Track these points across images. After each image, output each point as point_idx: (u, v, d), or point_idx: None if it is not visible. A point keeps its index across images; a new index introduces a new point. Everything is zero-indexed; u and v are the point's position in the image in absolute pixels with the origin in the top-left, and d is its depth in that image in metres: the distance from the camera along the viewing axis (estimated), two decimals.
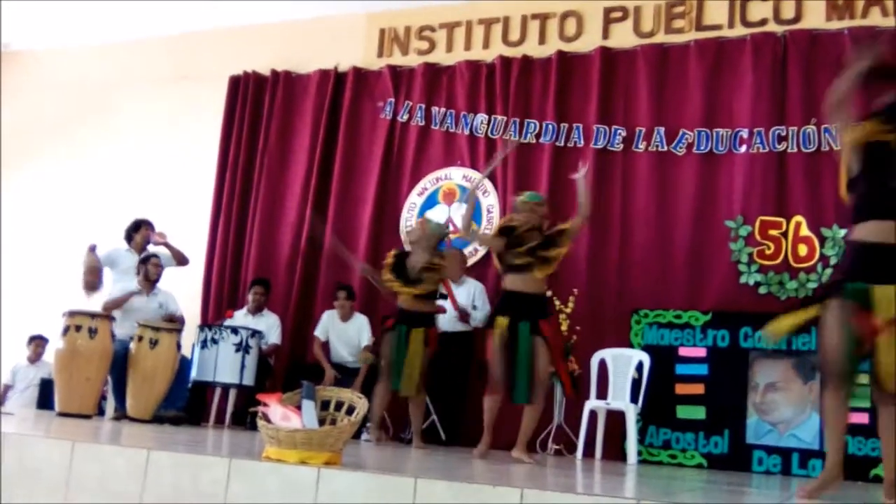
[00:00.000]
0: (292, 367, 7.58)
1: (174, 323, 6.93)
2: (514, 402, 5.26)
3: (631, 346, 6.78)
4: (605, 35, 7.64)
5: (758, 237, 6.75)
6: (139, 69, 9.31)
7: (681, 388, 6.66)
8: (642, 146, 7.21)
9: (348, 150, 8.21)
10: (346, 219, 8.01)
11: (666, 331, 6.79)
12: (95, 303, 7.03)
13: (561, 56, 7.64)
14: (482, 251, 7.35)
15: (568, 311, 6.92)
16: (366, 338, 7.28)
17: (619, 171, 7.27)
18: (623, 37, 7.56)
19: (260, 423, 3.39)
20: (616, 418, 6.50)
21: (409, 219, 7.83)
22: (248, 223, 8.42)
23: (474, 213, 7.46)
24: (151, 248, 7.46)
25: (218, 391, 7.33)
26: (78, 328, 6.31)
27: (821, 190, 6.68)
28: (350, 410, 3.51)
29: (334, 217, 8.04)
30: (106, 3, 8.74)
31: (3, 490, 3.36)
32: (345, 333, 7.34)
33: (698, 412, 6.58)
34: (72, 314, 6.40)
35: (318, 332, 7.36)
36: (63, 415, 6.20)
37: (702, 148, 7.00)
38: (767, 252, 6.71)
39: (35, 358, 8.78)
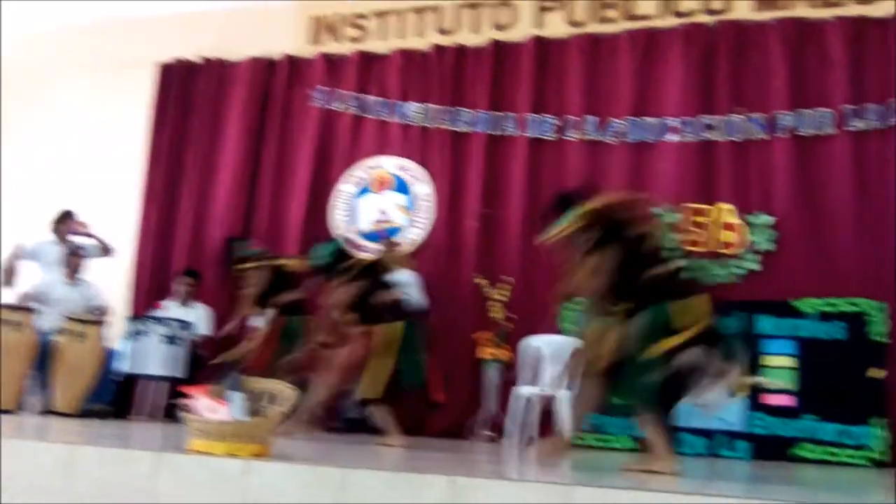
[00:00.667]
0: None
1: (99, 315, 6.80)
2: None
3: (563, 332, 6.84)
4: (539, 24, 7.67)
5: (685, 224, 6.86)
6: (67, 56, 9.06)
7: None
8: (574, 135, 7.27)
9: (280, 138, 8.13)
10: (278, 207, 7.94)
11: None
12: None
13: (495, 45, 7.66)
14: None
15: (504, 299, 6.97)
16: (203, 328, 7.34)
17: (552, 160, 7.33)
18: (556, 26, 7.60)
19: (185, 415, 3.34)
20: (549, 404, 6.56)
21: (339, 207, 7.78)
22: (178, 213, 8.29)
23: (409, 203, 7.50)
24: (76, 240, 7.30)
25: (147, 384, 7.21)
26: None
27: (747, 178, 6.83)
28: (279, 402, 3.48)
29: (265, 207, 7.96)
30: None
31: None
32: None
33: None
34: None
35: None
36: None
37: (632, 137, 7.09)
38: (695, 239, 6.83)
39: None
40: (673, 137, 7.00)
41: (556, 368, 6.57)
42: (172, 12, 8.67)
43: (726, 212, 6.82)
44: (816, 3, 7.02)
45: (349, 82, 8.04)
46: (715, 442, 6.43)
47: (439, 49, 7.81)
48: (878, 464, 6.07)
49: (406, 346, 5.42)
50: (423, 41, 7.96)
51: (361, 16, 8.26)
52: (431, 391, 5.62)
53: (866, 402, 6.24)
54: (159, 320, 6.99)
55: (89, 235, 7.30)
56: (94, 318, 6.59)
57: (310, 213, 7.83)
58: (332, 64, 8.16)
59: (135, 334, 6.90)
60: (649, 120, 7.09)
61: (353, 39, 8.23)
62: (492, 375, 6.89)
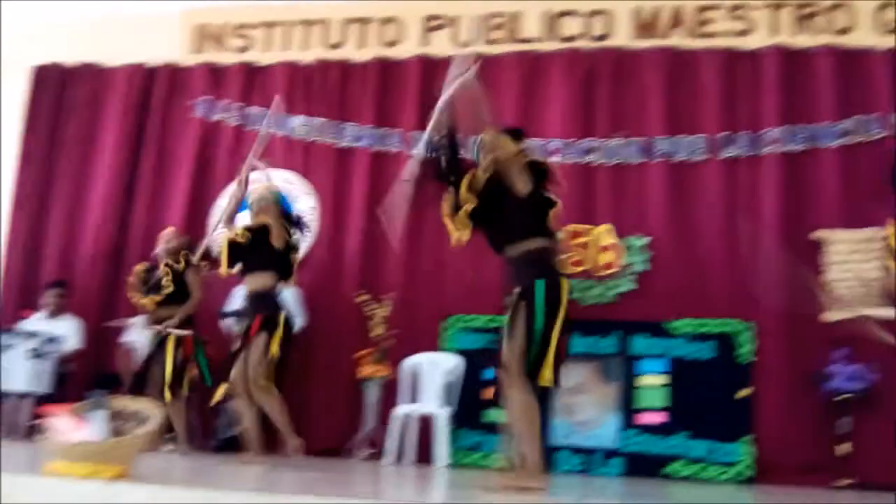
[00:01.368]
0: (94, 374, 7.21)
1: None
2: None
3: (443, 350, 6.86)
4: (425, 43, 7.71)
5: (566, 245, 6.98)
6: None
7: (490, 393, 6.78)
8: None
9: (159, 148, 7.92)
10: (155, 219, 7.69)
11: (478, 335, 6.90)
12: None
13: (380, 61, 7.65)
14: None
15: (385, 315, 6.94)
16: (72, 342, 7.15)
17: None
18: (442, 45, 7.64)
19: (45, 435, 3.20)
20: (429, 422, 6.56)
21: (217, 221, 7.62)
22: (49, 221, 7.96)
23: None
24: None
25: (12, 400, 6.89)
26: None
27: (624, 200, 7.01)
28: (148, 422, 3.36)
29: (141, 218, 7.73)
30: None
31: None
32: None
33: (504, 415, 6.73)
34: None
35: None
36: None
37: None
38: (573, 259, 6.96)
39: None
40: (554, 159, 7.11)
41: (437, 386, 6.59)
42: (50, 15, 8.34)
43: (605, 233, 6.97)
44: (692, 34, 7.29)
45: (232, 93, 7.90)
46: (590, 460, 6.54)
47: (325, 63, 7.75)
48: (747, 480, 6.29)
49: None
50: (309, 54, 7.89)
51: (247, 26, 8.13)
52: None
53: (735, 420, 6.46)
54: (25, 334, 6.69)
55: None
56: None
57: (188, 225, 7.62)
58: (216, 74, 8.01)
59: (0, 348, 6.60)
60: (531, 141, 7.17)
61: (238, 50, 8.10)
62: (372, 393, 6.84)
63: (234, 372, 5.53)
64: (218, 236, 6.41)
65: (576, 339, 6.69)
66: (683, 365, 6.61)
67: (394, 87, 7.59)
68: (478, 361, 6.58)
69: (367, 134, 7.51)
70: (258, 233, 5.78)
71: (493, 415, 6.64)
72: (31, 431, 6.77)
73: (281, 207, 6.01)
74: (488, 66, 7.39)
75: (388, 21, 7.83)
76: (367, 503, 2.75)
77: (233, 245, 5.79)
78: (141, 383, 6.21)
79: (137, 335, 6.83)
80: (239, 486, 3.05)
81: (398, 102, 7.55)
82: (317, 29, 7.97)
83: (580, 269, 6.94)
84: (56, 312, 7.27)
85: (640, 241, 6.89)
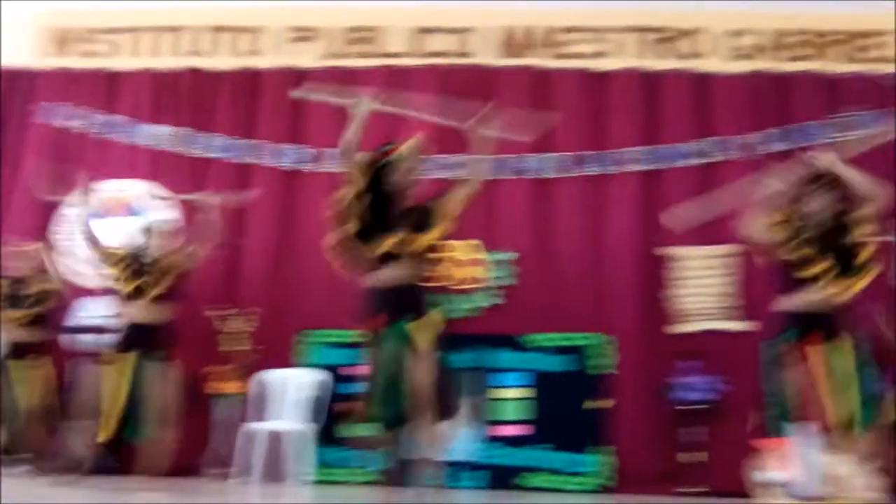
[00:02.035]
0: None
1: None
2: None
3: (300, 365, 6.76)
4: (292, 54, 7.59)
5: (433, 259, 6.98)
6: None
7: (346, 408, 6.70)
8: (326, 166, 7.22)
9: (4, 154, 7.50)
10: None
11: (334, 350, 6.81)
12: None
13: (242, 71, 7.50)
14: None
15: (247, 330, 6.79)
16: None
17: (302, 191, 7.25)
18: (309, 57, 7.54)
19: None
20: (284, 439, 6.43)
21: (64, 230, 7.30)
22: None
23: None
24: None
25: None
26: None
27: (491, 216, 7.07)
28: None
29: None
30: None
31: None
32: None
33: (364, 430, 6.65)
34: None
35: None
36: None
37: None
38: (441, 273, 6.95)
39: None
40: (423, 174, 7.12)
41: (291, 402, 6.46)
42: None
43: (472, 248, 7.02)
44: (553, 54, 7.45)
45: (88, 100, 7.56)
46: (451, 472, 6.53)
47: (188, 71, 7.54)
48: (606, 489, 6.44)
49: None
50: (171, 61, 7.65)
51: (105, 31, 7.82)
52: None
53: (593, 432, 6.61)
54: None
55: None
56: None
57: (36, 235, 7.25)
58: (70, 80, 7.65)
59: None
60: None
61: (95, 55, 7.77)
62: (224, 410, 6.65)
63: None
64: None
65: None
66: (544, 378, 6.71)
67: (256, 98, 7.45)
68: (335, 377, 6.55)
69: (228, 145, 7.33)
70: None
71: (352, 429, 6.58)
72: None
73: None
74: (352, 80, 7.41)
75: (251, 31, 7.68)
76: None
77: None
78: None
79: None
80: None
81: (261, 113, 7.41)
82: (178, 36, 7.74)
83: (447, 283, 6.96)
84: None
85: (505, 256, 6.97)
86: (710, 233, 6.86)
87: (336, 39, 7.61)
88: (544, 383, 6.70)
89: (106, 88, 7.63)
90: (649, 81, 7.27)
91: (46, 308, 6.56)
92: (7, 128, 7.60)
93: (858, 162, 4.85)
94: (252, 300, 6.99)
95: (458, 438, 6.60)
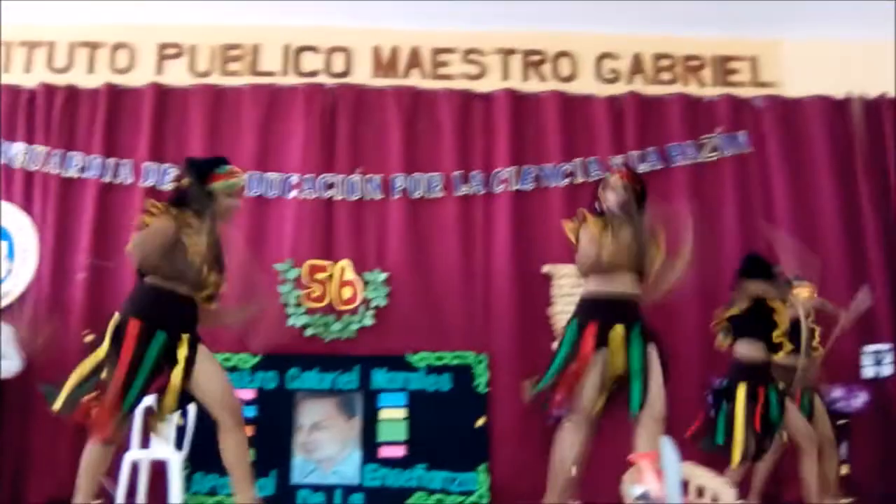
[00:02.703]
0: None
1: None
2: None
3: None
4: (159, 71, 7.42)
5: (305, 280, 6.92)
6: None
7: None
8: None
9: None
10: None
11: None
12: None
13: (111, 88, 7.26)
14: None
15: None
16: None
17: None
18: (177, 74, 7.40)
19: None
20: (162, 467, 6.23)
21: None
22: None
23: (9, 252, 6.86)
24: None
25: None
26: None
27: (364, 236, 7.06)
28: None
29: None
30: None
31: None
32: None
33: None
34: None
35: None
36: None
37: (254, 191, 7.03)
38: (314, 295, 6.91)
39: None
40: (294, 193, 7.06)
41: (170, 429, 6.26)
42: None
43: (345, 268, 6.98)
44: (429, 75, 7.51)
45: None
46: (331, 497, 6.47)
47: (50, 88, 7.24)
48: None
49: None
50: (32, 77, 7.35)
51: None
52: None
53: (472, 450, 6.64)
54: None
55: None
56: None
57: None
58: None
59: None
60: (271, 175, 7.10)
61: None
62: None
63: None
64: None
65: (316, 375, 6.72)
66: (422, 398, 6.71)
67: (125, 116, 7.21)
68: None
69: (94, 164, 7.08)
70: None
71: None
72: None
73: None
74: (227, 98, 7.30)
75: (120, 47, 7.46)
76: None
77: None
78: None
79: None
80: None
81: (129, 132, 7.18)
82: (40, 51, 7.44)
83: (320, 304, 6.90)
84: None
85: (380, 276, 6.95)
86: None
87: (207, 57, 7.46)
88: (421, 403, 6.70)
89: None
90: (522, 102, 7.39)
91: None
92: None
93: None
94: None
95: (339, 462, 6.55)
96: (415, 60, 7.55)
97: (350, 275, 6.94)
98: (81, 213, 7.00)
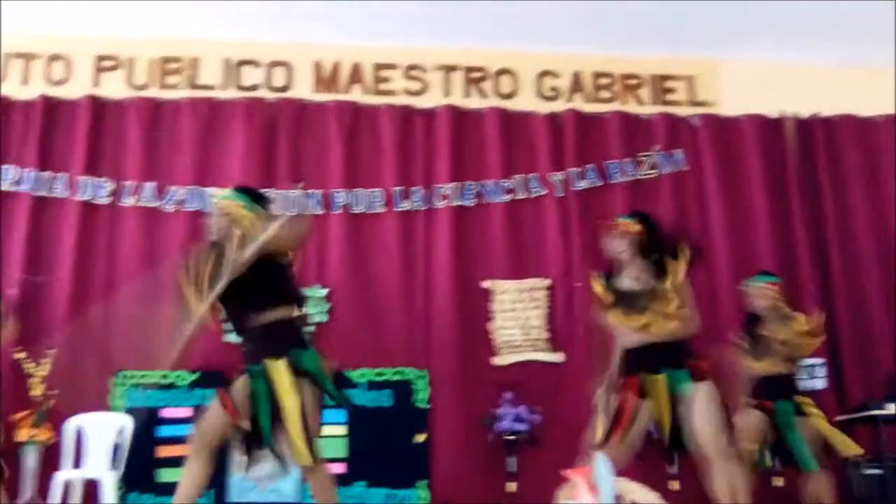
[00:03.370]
0: None
1: None
2: None
3: (112, 409, 6.45)
4: (96, 83, 7.31)
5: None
6: None
7: (164, 451, 6.46)
8: (131, 201, 6.98)
9: None
10: None
11: (151, 392, 6.57)
12: None
13: (46, 100, 7.13)
14: None
15: (43, 373, 6.40)
16: None
17: (105, 225, 6.94)
18: (114, 87, 7.29)
19: None
20: (94, 487, 6.11)
21: None
22: None
23: None
24: None
25: None
26: None
27: (304, 252, 6.98)
28: None
29: None
30: None
31: None
32: None
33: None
34: None
35: None
36: None
37: (191, 205, 6.95)
38: None
39: None
40: None
41: (103, 449, 6.15)
42: None
43: None
44: (370, 90, 7.52)
45: None
46: None
47: None
48: None
49: None
50: None
51: None
52: None
53: (412, 466, 6.62)
54: None
55: None
56: None
57: None
58: None
59: None
60: (209, 190, 7.03)
61: None
62: (29, 459, 6.24)
63: None
64: None
65: None
66: (362, 414, 6.67)
67: (60, 129, 7.08)
68: (147, 420, 6.29)
69: (28, 177, 6.93)
70: None
71: (169, 474, 6.34)
72: None
73: None
74: (165, 112, 7.22)
75: (55, 58, 7.33)
76: None
77: None
78: None
79: None
80: None
81: (65, 145, 7.05)
82: None
83: None
84: None
85: (320, 291, 6.92)
86: (524, 266, 7.11)
87: (145, 69, 7.38)
88: (361, 419, 6.66)
89: None
90: (463, 119, 7.44)
91: None
92: None
93: None
94: (57, 341, 6.60)
95: (278, 480, 6.48)
96: (356, 76, 7.56)
97: None
98: (14, 228, 6.84)
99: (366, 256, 7.09)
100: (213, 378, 6.57)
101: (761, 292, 5.90)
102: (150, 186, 7.00)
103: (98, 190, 6.94)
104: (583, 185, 7.31)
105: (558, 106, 7.61)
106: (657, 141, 7.59)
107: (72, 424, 6.21)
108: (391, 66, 7.62)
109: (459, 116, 7.44)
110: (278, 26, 7.28)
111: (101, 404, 6.46)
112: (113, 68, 7.37)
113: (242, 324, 4.21)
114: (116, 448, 6.18)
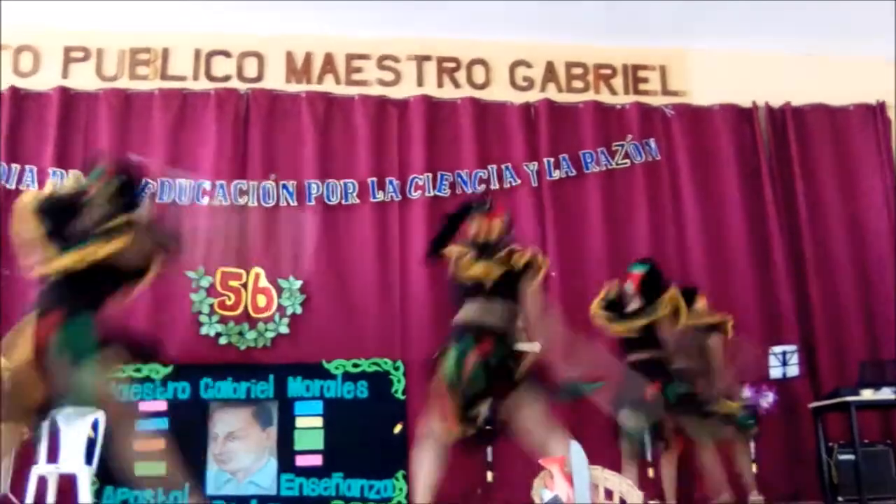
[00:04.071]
0: None
1: None
2: None
3: None
4: (65, 75, 7.23)
5: (219, 288, 6.82)
6: None
7: (139, 445, 6.40)
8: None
9: None
10: None
11: (125, 386, 6.51)
12: None
13: (14, 91, 7.04)
14: None
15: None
16: None
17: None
18: (84, 78, 7.21)
19: None
20: (70, 482, 6.06)
21: None
22: None
23: None
24: None
25: None
26: None
27: (278, 243, 6.99)
28: None
29: None
30: None
31: None
32: None
33: (159, 468, 6.39)
34: None
35: None
36: None
37: (165, 198, 6.90)
38: (228, 303, 6.81)
39: None
40: (206, 200, 6.94)
41: (77, 444, 6.10)
42: None
43: (259, 276, 6.90)
44: (343, 80, 7.48)
45: None
46: None
47: None
48: None
49: None
50: None
51: None
52: None
53: (389, 457, 6.62)
54: None
55: None
56: None
57: None
58: None
59: None
60: (183, 181, 6.98)
61: None
62: None
63: None
64: None
65: (230, 385, 6.62)
66: (338, 405, 6.67)
67: (29, 121, 7.01)
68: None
69: None
70: None
71: (145, 468, 6.29)
72: None
73: None
74: (136, 103, 7.15)
75: (24, 49, 7.24)
76: None
77: None
78: None
79: None
80: None
81: (34, 137, 6.98)
82: None
83: (234, 312, 6.81)
84: None
85: (295, 283, 6.90)
86: None
87: (115, 61, 7.30)
88: (338, 411, 6.66)
89: None
90: (437, 109, 7.43)
91: None
92: None
93: None
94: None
95: (255, 472, 6.47)
96: (329, 66, 7.52)
97: (264, 282, 6.87)
98: None
99: (340, 247, 7.07)
100: (186, 371, 6.57)
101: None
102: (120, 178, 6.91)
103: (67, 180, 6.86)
104: (557, 175, 7.32)
105: (532, 96, 7.61)
106: (630, 130, 7.61)
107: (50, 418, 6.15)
108: (364, 57, 7.58)
109: (433, 107, 7.43)
110: (249, 16, 7.23)
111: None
112: (83, 59, 7.30)
113: None
114: (91, 442, 6.13)
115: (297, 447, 6.59)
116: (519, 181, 7.31)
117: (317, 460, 6.58)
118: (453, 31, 7.51)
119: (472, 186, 7.26)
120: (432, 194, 7.21)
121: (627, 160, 7.54)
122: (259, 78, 7.40)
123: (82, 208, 4.17)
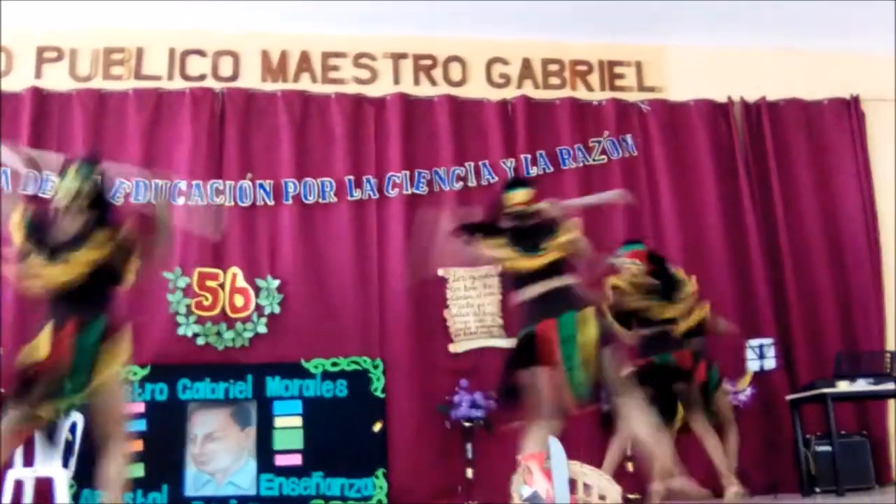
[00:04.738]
0: None
1: None
2: None
3: None
4: (38, 75, 7.16)
5: (196, 288, 6.78)
6: None
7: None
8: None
9: None
10: None
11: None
12: None
13: None
14: None
15: None
16: None
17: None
18: (57, 79, 7.15)
19: None
20: (46, 485, 6.01)
21: None
22: None
23: None
24: None
25: None
26: None
27: (256, 243, 6.96)
28: None
29: None
30: None
31: None
32: None
33: (137, 470, 6.37)
34: None
35: None
36: None
37: (139, 198, 6.85)
38: (205, 303, 6.78)
39: None
40: (182, 200, 6.89)
41: (56, 445, 6.05)
42: None
43: (236, 276, 6.87)
44: (319, 78, 7.46)
45: None
46: None
47: None
48: None
49: None
50: None
51: None
52: None
53: (369, 455, 6.62)
54: None
55: None
56: None
57: None
58: None
59: None
60: (158, 182, 6.92)
61: None
62: None
63: None
64: None
65: (208, 385, 6.59)
66: (317, 404, 6.66)
67: (2, 122, 6.89)
68: None
69: None
70: None
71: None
72: None
73: None
74: (110, 103, 7.10)
75: None
76: None
77: None
78: None
79: None
80: None
81: (7, 138, 6.81)
82: None
83: (212, 313, 6.77)
84: None
85: (273, 282, 6.87)
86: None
87: (89, 61, 7.24)
88: (317, 410, 6.64)
89: None
90: (413, 107, 7.42)
91: None
92: None
93: None
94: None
95: (234, 472, 6.44)
96: (305, 64, 7.49)
97: (241, 282, 6.84)
98: None
99: (318, 246, 7.05)
100: (164, 372, 6.53)
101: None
102: None
103: (43, 184, 6.80)
104: (534, 171, 7.33)
105: (508, 93, 7.62)
106: (607, 126, 7.64)
107: None
108: (340, 55, 7.56)
109: (410, 104, 7.42)
110: (224, 15, 7.20)
111: None
112: (56, 60, 7.23)
113: None
114: (69, 445, 6.08)
115: (276, 447, 6.58)
116: (496, 178, 7.30)
117: (296, 460, 6.57)
118: (429, 29, 7.51)
119: (450, 184, 7.26)
120: (410, 192, 7.20)
121: (604, 156, 7.57)
122: (234, 77, 7.36)
123: (58, 214, 4.16)
